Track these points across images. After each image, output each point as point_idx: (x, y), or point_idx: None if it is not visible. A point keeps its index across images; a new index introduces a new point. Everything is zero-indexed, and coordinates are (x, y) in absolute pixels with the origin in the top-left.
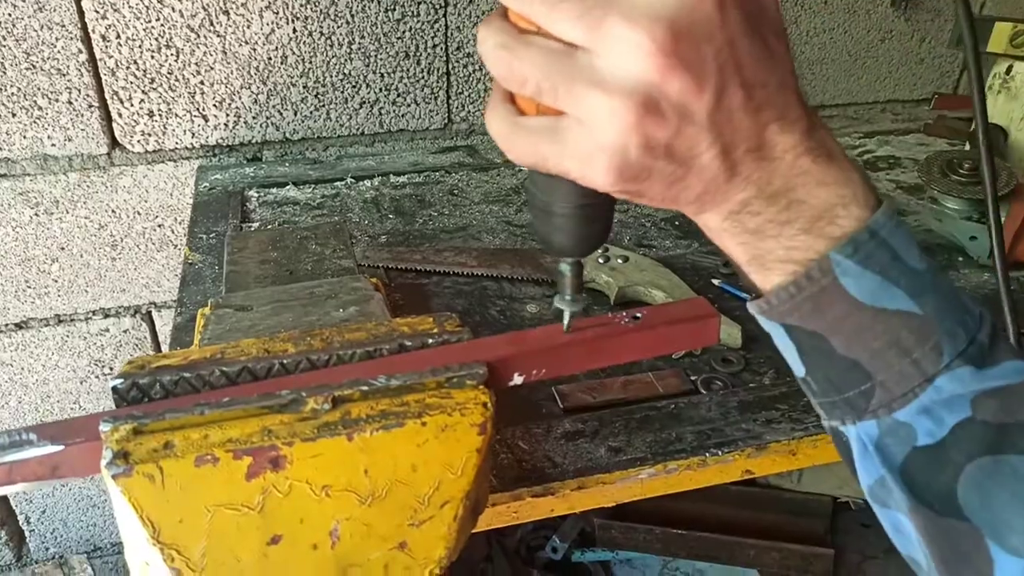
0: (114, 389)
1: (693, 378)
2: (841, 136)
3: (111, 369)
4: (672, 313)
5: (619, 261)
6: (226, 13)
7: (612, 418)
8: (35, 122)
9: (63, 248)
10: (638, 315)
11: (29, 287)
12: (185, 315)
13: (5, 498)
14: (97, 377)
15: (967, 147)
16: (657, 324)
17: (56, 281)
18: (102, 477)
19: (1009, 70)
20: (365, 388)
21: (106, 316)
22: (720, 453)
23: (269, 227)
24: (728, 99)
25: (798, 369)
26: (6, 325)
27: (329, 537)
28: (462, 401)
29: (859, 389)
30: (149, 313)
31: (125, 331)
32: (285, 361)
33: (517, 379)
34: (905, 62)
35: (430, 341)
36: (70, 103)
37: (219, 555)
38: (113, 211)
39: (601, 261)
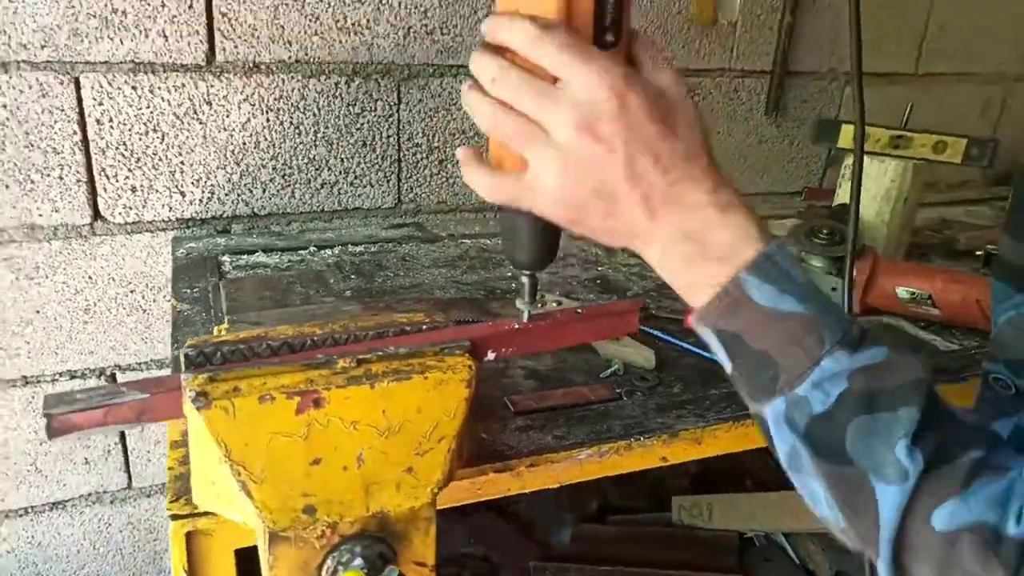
0: (185, 356)
1: (618, 390)
2: None
3: None
4: (606, 308)
5: (553, 304)
6: (208, 104)
7: (555, 417)
8: (26, 194)
9: (38, 311)
10: (579, 310)
11: (1, 348)
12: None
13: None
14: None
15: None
16: (595, 315)
17: (28, 343)
18: (174, 422)
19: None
20: (381, 353)
21: (72, 377)
22: (642, 439)
23: (255, 275)
24: (638, 162)
25: (728, 366)
26: None
27: (356, 461)
28: (453, 364)
29: (768, 374)
30: (113, 375)
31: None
32: (315, 338)
33: (491, 355)
34: (778, 160)
35: (424, 327)
36: (61, 178)
37: (274, 471)
38: (90, 277)
39: (540, 306)
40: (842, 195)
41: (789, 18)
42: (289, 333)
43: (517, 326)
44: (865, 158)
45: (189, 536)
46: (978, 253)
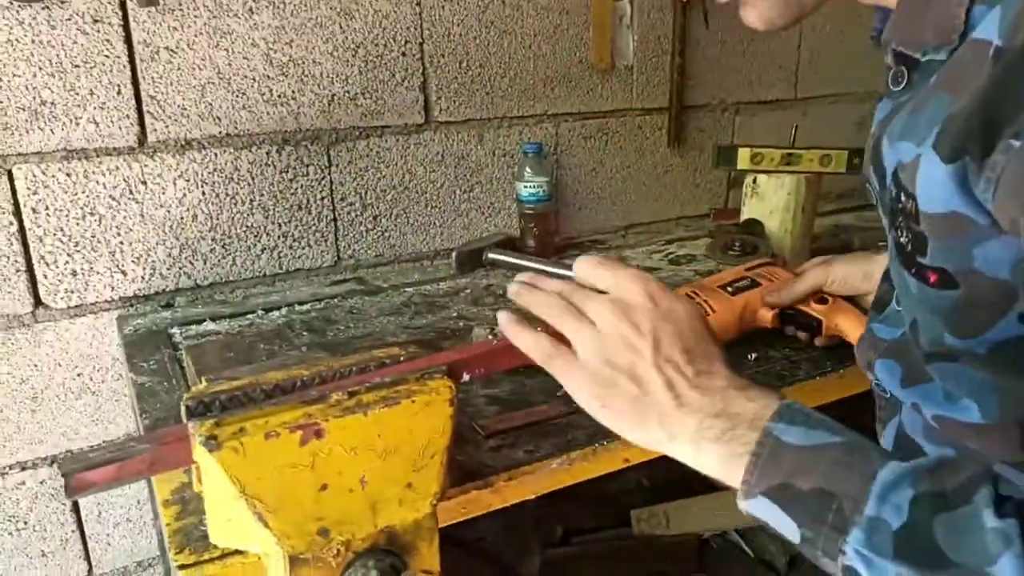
0: (186, 407)
1: (574, 404)
2: (647, 245)
3: (25, 523)
4: None
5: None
6: (144, 183)
7: (522, 435)
8: None
9: None
10: (539, 328)
11: None
12: (150, 419)
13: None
14: (11, 534)
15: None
16: (555, 332)
17: None
18: (162, 483)
19: (755, 180)
20: (369, 385)
21: (23, 469)
22: (605, 443)
23: (215, 340)
24: (665, 350)
25: (794, 533)
26: None
27: (360, 483)
28: (435, 387)
29: (832, 509)
30: None
31: (41, 482)
32: (304, 379)
33: (466, 376)
34: (685, 187)
35: (401, 358)
36: None
37: (286, 500)
38: (35, 365)
39: (491, 338)
40: (748, 211)
41: (679, 59)
42: (279, 377)
43: (485, 349)
44: (763, 175)
45: None
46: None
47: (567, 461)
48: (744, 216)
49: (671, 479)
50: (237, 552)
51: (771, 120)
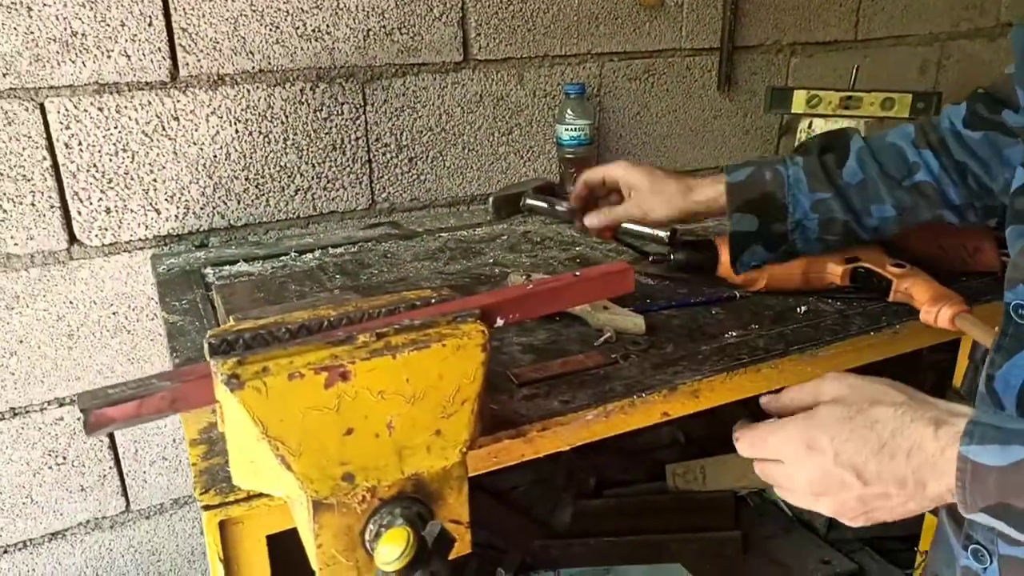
0: (209, 344)
1: (613, 355)
2: None
3: (64, 459)
4: (602, 269)
5: None
6: (176, 119)
7: (558, 384)
8: None
9: (22, 341)
10: (576, 273)
11: None
12: (182, 357)
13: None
14: (51, 468)
15: None
16: (592, 277)
17: (13, 374)
18: (191, 422)
19: (810, 124)
20: (398, 326)
21: (61, 405)
22: (643, 395)
23: (246, 279)
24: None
25: (1019, 536)
26: None
27: (387, 428)
28: (467, 331)
29: None
30: None
31: (79, 418)
32: (331, 319)
33: (500, 322)
34: (734, 133)
35: (433, 300)
36: (33, 205)
37: (310, 443)
38: (71, 302)
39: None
40: None
41: None
42: (305, 317)
43: (519, 292)
44: (820, 120)
45: (222, 525)
46: None
47: (603, 413)
48: None
49: (707, 434)
50: (262, 495)
51: (829, 63)
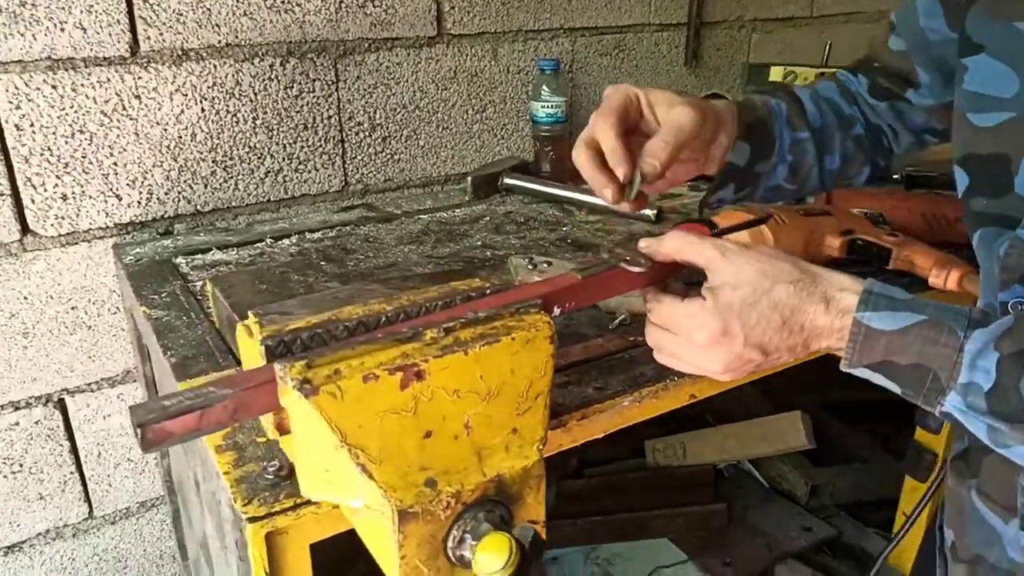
0: (266, 347)
1: (631, 338)
2: None
3: (20, 466)
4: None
5: (545, 265)
6: (138, 98)
7: (588, 370)
8: None
9: None
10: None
11: None
12: (177, 356)
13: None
14: (6, 477)
15: None
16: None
17: None
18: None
19: None
20: (463, 320)
21: (16, 409)
22: (675, 379)
23: (242, 269)
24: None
25: (896, 389)
26: None
27: (464, 428)
28: (532, 322)
29: (928, 378)
30: (62, 400)
31: (36, 422)
32: (388, 315)
33: (556, 311)
34: None
35: (488, 291)
36: None
37: (390, 450)
38: (25, 298)
39: (530, 267)
40: None
41: None
42: (359, 313)
43: (573, 282)
44: None
45: (268, 537)
46: (895, 177)
47: (638, 398)
48: None
49: (682, 411)
50: (308, 502)
51: (786, 38)
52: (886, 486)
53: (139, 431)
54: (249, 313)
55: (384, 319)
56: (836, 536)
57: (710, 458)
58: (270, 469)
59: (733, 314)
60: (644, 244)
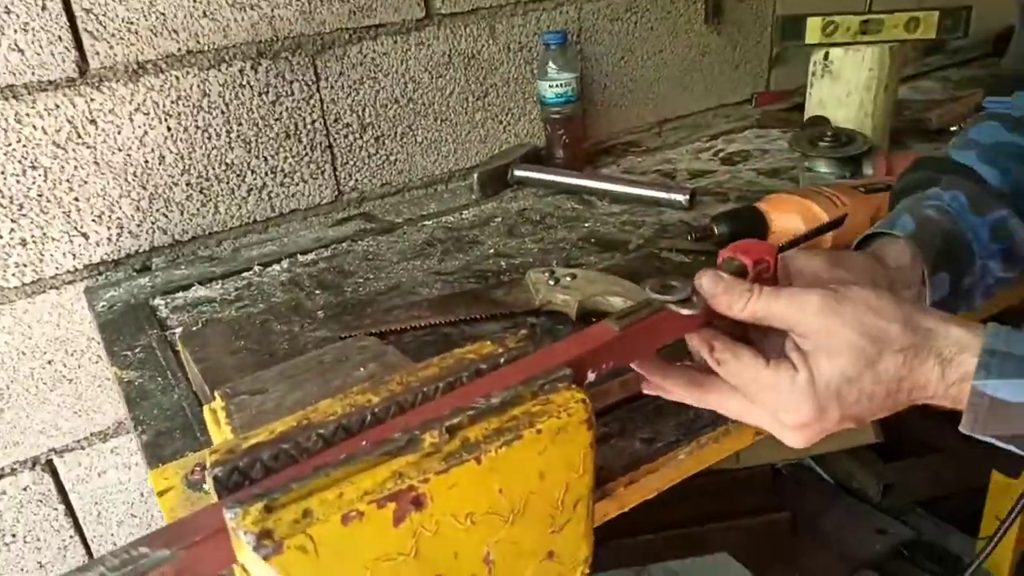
0: (215, 479)
1: (678, 362)
2: (690, 142)
3: (14, 536)
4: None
5: (568, 279)
6: (93, 122)
7: (629, 415)
8: None
9: None
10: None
11: None
12: (149, 432)
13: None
14: None
15: (803, 130)
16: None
17: None
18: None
19: (826, 56)
20: (471, 412)
21: (1, 477)
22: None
23: (217, 320)
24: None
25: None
26: None
27: (485, 564)
28: (563, 403)
29: None
30: (50, 462)
31: (24, 488)
32: (376, 410)
33: (591, 376)
34: (724, 70)
35: (502, 360)
36: None
37: None
38: None
39: (552, 283)
40: (816, 94)
41: None
42: (337, 410)
43: (611, 336)
44: (839, 49)
45: None
46: (952, 129)
47: (696, 448)
48: (812, 99)
49: None
50: None
51: None
52: (967, 478)
53: None
54: (215, 393)
55: (370, 416)
56: (915, 538)
57: (767, 458)
58: None
59: (831, 393)
60: (705, 281)
